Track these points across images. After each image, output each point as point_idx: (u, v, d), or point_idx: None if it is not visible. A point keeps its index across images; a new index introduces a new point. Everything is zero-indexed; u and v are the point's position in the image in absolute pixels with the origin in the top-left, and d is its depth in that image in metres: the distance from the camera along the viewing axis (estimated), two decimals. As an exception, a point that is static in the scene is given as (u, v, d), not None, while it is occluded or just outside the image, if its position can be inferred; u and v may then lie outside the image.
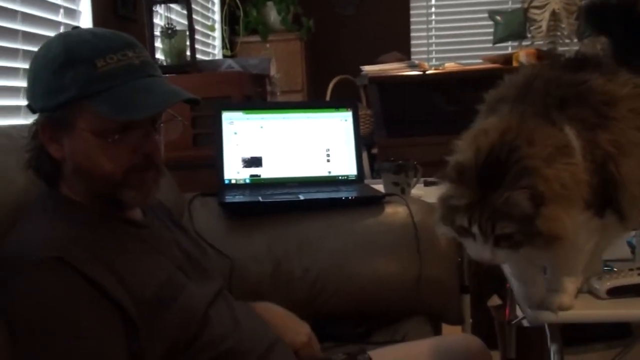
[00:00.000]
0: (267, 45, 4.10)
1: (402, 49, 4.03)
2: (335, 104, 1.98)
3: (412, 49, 4.58)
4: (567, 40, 3.69)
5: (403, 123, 3.11)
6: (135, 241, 1.15)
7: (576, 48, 3.70)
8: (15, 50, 1.81)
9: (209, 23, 3.84)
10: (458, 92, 3.07)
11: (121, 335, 1.02)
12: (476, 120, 1.13)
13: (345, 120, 1.91)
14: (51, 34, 1.99)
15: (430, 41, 4.63)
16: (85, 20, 2.19)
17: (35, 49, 1.86)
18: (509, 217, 0.92)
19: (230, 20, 4.07)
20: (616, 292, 1.04)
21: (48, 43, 1.13)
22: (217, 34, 3.95)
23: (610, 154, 0.99)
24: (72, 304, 0.99)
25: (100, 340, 1.00)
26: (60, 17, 2.06)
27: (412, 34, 4.62)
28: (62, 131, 1.09)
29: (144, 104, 1.07)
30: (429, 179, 2.30)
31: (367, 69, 3.18)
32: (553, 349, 0.99)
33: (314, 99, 4.06)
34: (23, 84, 1.81)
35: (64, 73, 1.06)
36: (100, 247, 1.06)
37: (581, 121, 1.00)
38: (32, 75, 1.12)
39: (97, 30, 1.14)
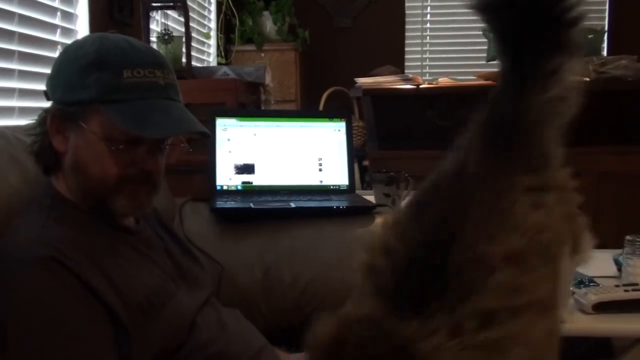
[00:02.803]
0: (262, 54, 4.12)
1: (396, 62, 4.06)
2: (329, 114, 1.99)
3: (406, 63, 4.61)
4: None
5: (395, 136, 3.12)
6: (127, 247, 1.15)
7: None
8: (11, 52, 1.81)
9: (205, 30, 3.85)
10: (451, 108, 3.09)
11: (111, 338, 1.02)
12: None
13: (339, 130, 1.92)
14: (47, 36, 2.00)
15: (424, 56, 4.67)
16: (82, 24, 2.19)
17: (31, 50, 1.89)
18: None
19: (225, 28, 4.08)
20: (602, 308, 1.05)
21: (83, 40, 1.16)
22: (213, 41, 3.96)
23: None
24: (64, 303, 0.99)
25: (91, 341, 1.00)
26: (57, 20, 2.07)
27: (407, 49, 4.65)
28: (71, 126, 1.10)
29: (157, 124, 1.07)
30: (420, 192, 2.32)
31: (361, 81, 3.20)
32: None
33: (307, 109, 4.08)
34: (18, 85, 1.82)
35: (90, 73, 1.07)
36: (94, 250, 1.06)
37: None
38: (58, 66, 1.13)
39: (134, 41, 1.14)
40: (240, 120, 1.87)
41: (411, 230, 0.86)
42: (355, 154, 2.04)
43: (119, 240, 1.15)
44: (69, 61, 1.11)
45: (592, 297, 1.04)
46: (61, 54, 1.15)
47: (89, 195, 1.12)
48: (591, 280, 1.16)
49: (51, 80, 1.14)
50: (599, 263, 1.14)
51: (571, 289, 1.16)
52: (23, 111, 1.83)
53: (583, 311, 1.04)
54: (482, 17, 0.95)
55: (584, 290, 1.08)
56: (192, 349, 1.11)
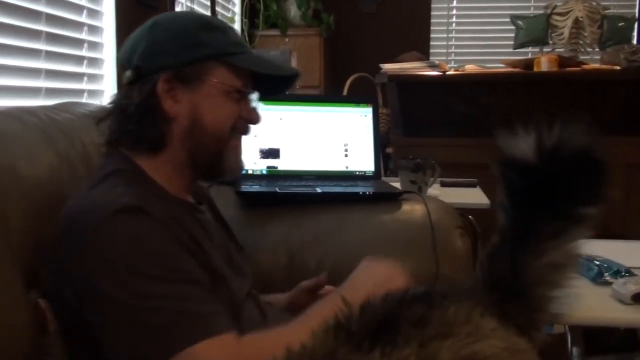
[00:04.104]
0: (286, 39, 4.09)
1: (421, 49, 4.01)
2: (355, 99, 1.97)
3: (432, 50, 4.56)
4: (588, 49, 3.66)
5: (420, 123, 3.09)
6: (197, 225, 1.17)
7: (598, 57, 3.67)
8: (39, 32, 1.81)
9: (229, 15, 3.84)
10: (477, 95, 3.05)
11: (202, 277, 1.04)
12: None
13: (365, 115, 1.90)
14: (74, 17, 1.99)
15: (449, 43, 4.62)
16: (107, 5, 2.19)
17: (57, 31, 1.88)
18: None
19: (250, 13, 4.06)
20: (642, 298, 1.02)
21: (168, 16, 1.24)
22: (237, 26, 3.94)
23: None
24: (160, 240, 1.01)
25: (195, 274, 1.02)
26: (83, 1, 2.06)
27: (432, 35, 4.60)
28: (187, 85, 1.14)
29: (275, 66, 1.23)
30: (446, 180, 2.29)
31: (387, 67, 3.16)
32: (575, 352, 0.97)
33: (332, 94, 4.05)
34: (44, 65, 1.82)
35: (203, 34, 1.15)
36: (170, 217, 1.07)
37: None
38: (153, 38, 1.15)
39: None
40: (266, 104, 1.85)
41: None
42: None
43: (192, 217, 1.17)
44: (172, 29, 1.16)
45: (632, 287, 1.01)
46: (152, 26, 1.17)
47: (206, 152, 1.17)
48: (627, 270, 1.13)
49: (150, 49, 1.14)
50: (634, 254, 1.11)
51: (608, 278, 1.13)
52: (49, 92, 1.83)
53: (621, 301, 1.01)
54: (498, 169, 0.92)
55: (622, 280, 1.06)
56: None
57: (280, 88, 1.30)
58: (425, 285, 0.90)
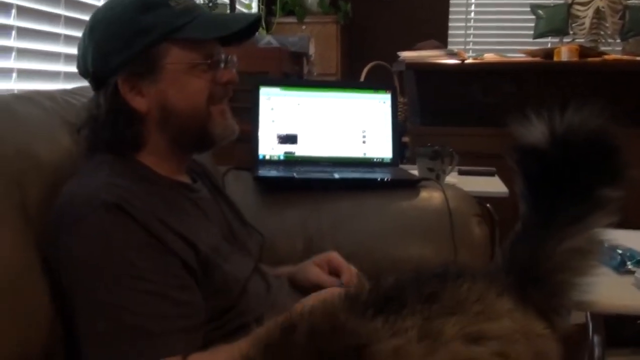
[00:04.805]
0: (303, 27, 4.07)
1: (439, 37, 3.98)
2: (374, 86, 1.96)
3: (450, 39, 4.52)
4: (610, 40, 3.61)
5: (438, 112, 3.07)
6: (190, 204, 1.16)
7: (619, 48, 3.62)
8: (58, 16, 1.81)
9: (247, 2, 3.82)
10: (496, 84, 3.02)
11: (182, 279, 1.03)
12: None
13: (384, 102, 1.89)
14: (93, 2, 1.99)
15: (468, 32, 4.57)
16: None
17: (77, 15, 1.88)
18: None
19: (267, 0, 4.05)
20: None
21: (106, 5, 1.15)
22: (254, 12, 3.93)
23: None
24: (130, 246, 1.00)
25: (160, 283, 1.00)
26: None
27: (450, 24, 4.56)
28: (147, 77, 1.11)
29: (230, 21, 1.18)
30: (464, 168, 2.28)
31: (405, 55, 3.14)
32: (596, 341, 0.95)
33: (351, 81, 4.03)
34: (64, 50, 1.83)
35: (145, 16, 1.09)
36: (157, 202, 1.07)
37: None
38: (99, 37, 1.12)
39: None
40: (284, 90, 1.85)
41: None
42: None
43: (183, 197, 1.16)
44: (113, 22, 1.11)
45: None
46: (91, 28, 1.14)
47: (188, 133, 1.15)
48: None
49: (97, 53, 1.12)
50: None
51: (631, 267, 1.12)
52: (68, 76, 1.83)
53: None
54: (513, 158, 0.92)
55: (645, 268, 1.05)
56: (240, 312, 1.11)
57: (247, 33, 1.22)
58: (441, 266, 0.88)
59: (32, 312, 0.95)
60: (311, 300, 1.14)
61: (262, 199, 1.66)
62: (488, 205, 2.04)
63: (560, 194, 0.88)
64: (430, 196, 1.67)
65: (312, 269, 1.34)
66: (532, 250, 0.88)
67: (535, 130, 0.89)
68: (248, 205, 1.62)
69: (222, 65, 1.16)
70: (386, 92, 1.90)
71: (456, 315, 0.78)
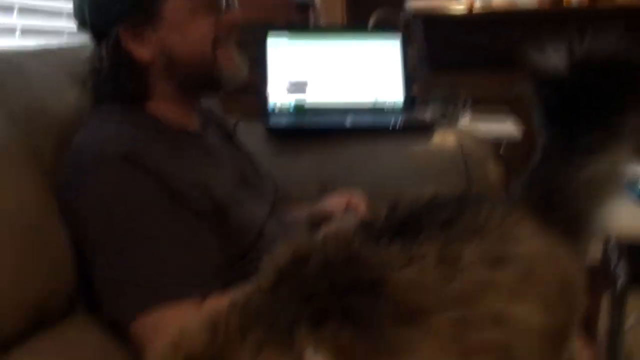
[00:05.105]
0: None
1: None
2: (383, 30, 1.92)
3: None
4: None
5: (447, 59, 3.03)
6: (201, 151, 1.15)
7: None
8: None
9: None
10: (505, 31, 2.98)
11: (197, 228, 1.02)
12: None
13: (394, 46, 1.85)
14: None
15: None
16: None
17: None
18: None
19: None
20: None
21: None
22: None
23: None
24: (143, 197, 0.99)
25: (175, 233, 1.00)
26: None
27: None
28: (148, 25, 1.09)
29: None
30: (475, 113, 2.26)
31: (412, 3, 3.09)
32: (618, 271, 0.94)
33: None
34: (66, 6, 1.80)
35: None
36: (167, 151, 1.06)
37: (343, 349, 0.66)
38: None
39: None
40: (293, 38, 1.82)
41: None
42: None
43: (192, 145, 1.15)
44: None
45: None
46: None
47: (194, 78, 1.13)
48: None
49: (94, 4, 1.10)
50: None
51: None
52: (72, 34, 1.81)
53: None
54: (531, 86, 0.89)
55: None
56: (256, 257, 1.10)
57: None
58: (459, 191, 0.87)
59: (55, 257, 0.95)
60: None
61: (274, 149, 1.65)
62: (501, 148, 2.02)
63: (580, 122, 0.86)
64: (444, 140, 1.65)
65: (327, 201, 1.35)
66: (551, 178, 0.86)
67: (553, 57, 0.86)
68: (260, 156, 1.61)
69: (224, 7, 1.13)
70: (396, 35, 1.86)
71: (476, 240, 0.76)
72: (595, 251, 1.57)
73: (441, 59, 3.05)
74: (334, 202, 1.35)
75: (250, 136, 1.68)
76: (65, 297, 0.97)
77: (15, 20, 1.63)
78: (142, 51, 1.10)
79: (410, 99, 1.87)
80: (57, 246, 0.96)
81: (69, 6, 1.78)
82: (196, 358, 0.64)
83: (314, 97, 1.80)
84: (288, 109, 1.79)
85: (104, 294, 0.99)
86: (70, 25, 1.79)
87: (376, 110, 1.82)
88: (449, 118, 1.94)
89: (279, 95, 1.79)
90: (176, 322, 0.94)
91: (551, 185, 0.86)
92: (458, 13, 3.04)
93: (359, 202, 1.33)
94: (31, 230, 0.90)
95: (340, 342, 0.67)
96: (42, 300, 0.90)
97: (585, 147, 0.85)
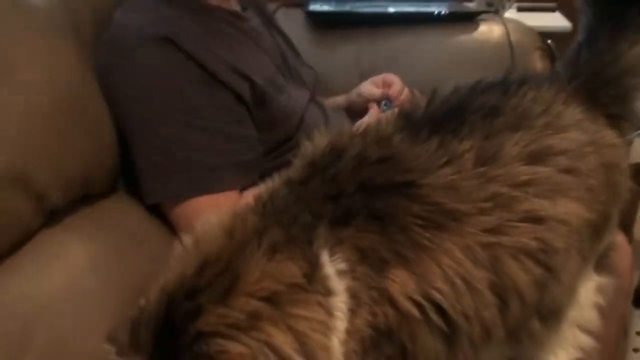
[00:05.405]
0: None
1: None
2: None
3: None
4: None
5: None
6: (242, 34, 1.13)
7: None
8: None
9: None
10: None
11: (237, 114, 1.02)
12: None
13: None
14: None
15: None
16: None
17: None
18: None
19: None
20: None
21: None
22: None
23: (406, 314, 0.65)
24: (182, 79, 0.98)
25: (214, 117, 0.99)
26: None
27: None
28: None
29: None
30: (523, 4, 2.17)
31: None
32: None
33: None
34: None
35: None
36: (208, 33, 1.04)
37: (362, 250, 0.64)
38: None
39: None
40: None
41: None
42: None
43: (233, 26, 1.12)
44: None
45: None
46: None
47: None
48: None
49: None
50: None
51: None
52: None
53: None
54: None
55: None
56: (298, 144, 1.10)
57: None
58: (502, 74, 0.83)
59: (98, 129, 0.95)
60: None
61: (314, 36, 1.62)
62: (549, 41, 1.94)
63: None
64: (490, 29, 1.60)
65: (364, 86, 1.33)
66: (599, 54, 0.83)
67: None
68: (300, 42, 1.57)
69: None
70: None
71: (520, 131, 0.73)
72: (637, 149, 1.54)
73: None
74: (369, 85, 1.32)
75: (290, 22, 1.64)
76: (109, 172, 0.98)
77: None
78: None
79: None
80: (99, 120, 0.96)
81: None
82: (211, 260, 0.63)
83: (356, -18, 1.74)
84: (329, -6, 1.73)
85: (145, 177, 1.00)
86: None
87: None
88: (495, 7, 1.86)
89: (320, -21, 1.73)
90: (215, 211, 0.95)
91: (598, 64, 0.83)
92: None
93: (396, 83, 1.30)
94: (74, 100, 0.90)
95: (362, 243, 0.65)
96: (87, 172, 0.91)
97: (633, 23, 0.82)
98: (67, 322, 0.78)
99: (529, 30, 1.62)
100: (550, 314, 0.76)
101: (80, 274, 0.84)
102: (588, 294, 0.83)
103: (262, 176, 1.04)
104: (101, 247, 0.88)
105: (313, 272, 0.62)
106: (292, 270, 0.62)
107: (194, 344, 0.59)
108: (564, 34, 1.93)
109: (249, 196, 0.80)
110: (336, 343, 0.61)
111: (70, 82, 0.90)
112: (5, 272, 0.78)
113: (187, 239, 0.69)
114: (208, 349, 0.58)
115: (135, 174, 1.01)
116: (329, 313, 0.62)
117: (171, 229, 1.02)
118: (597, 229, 0.78)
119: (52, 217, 0.86)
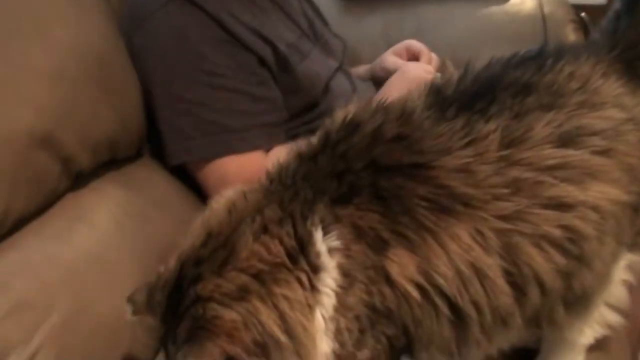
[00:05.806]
0: None
1: None
2: None
3: None
4: None
5: None
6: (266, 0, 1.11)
7: None
8: None
9: None
10: None
11: (260, 77, 1.01)
12: None
13: None
14: None
15: None
16: None
17: None
18: None
19: None
20: None
21: None
22: None
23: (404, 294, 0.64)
24: (203, 40, 0.97)
25: (237, 79, 0.98)
26: None
27: None
28: None
29: None
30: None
31: None
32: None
33: None
34: None
35: None
36: (226, 11, 1.02)
37: (360, 229, 0.64)
38: None
39: None
40: None
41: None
42: None
43: None
44: None
45: None
46: None
47: None
48: None
49: None
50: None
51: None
52: None
53: None
54: None
55: None
56: (324, 111, 1.09)
57: None
58: (539, 46, 0.80)
59: (124, 93, 0.95)
60: (397, 84, 1.12)
61: (342, 6, 1.60)
62: (583, 14, 1.89)
63: None
64: (523, 1, 1.56)
65: (388, 57, 1.29)
66: (638, 24, 0.79)
67: None
68: (328, 12, 1.55)
69: None
70: None
71: (553, 110, 0.70)
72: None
73: None
74: (393, 57, 1.29)
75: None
76: (135, 137, 0.98)
77: None
78: None
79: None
80: (126, 85, 0.96)
81: None
82: (214, 233, 0.66)
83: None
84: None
85: (169, 138, 0.99)
86: None
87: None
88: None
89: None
90: (241, 172, 0.95)
91: (637, 34, 0.79)
92: None
93: (424, 52, 1.27)
94: (102, 65, 0.90)
95: (361, 222, 0.64)
96: (113, 136, 0.91)
97: None
98: (90, 286, 0.79)
99: (563, 2, 1.57)
100: (577, 301, 0.74)
101: (105, 238, 0.85)
102: (618, 272, 0.81)
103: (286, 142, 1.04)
104: (126, 210, 0.89)
105: (302, 249, 0.64)
106: (276, 249, 0.64)
107: (192, 307, 0.63)
108: (598, 6, 1.88)
109: (275, 155, 0.79)
110: (320, 320, 0.63)
111: (99, 48, 0.90)
112: (31, 233, 0.79)
113: (206, 210, 0.71)
114: (204, 313, 0.62)
115: (160, 137, 1.01)
116: (315, 289, 0.63)
117: (195, 193, 1.02)
118: (637, 210, 0.75)
119: (79, 180, 0.87)
